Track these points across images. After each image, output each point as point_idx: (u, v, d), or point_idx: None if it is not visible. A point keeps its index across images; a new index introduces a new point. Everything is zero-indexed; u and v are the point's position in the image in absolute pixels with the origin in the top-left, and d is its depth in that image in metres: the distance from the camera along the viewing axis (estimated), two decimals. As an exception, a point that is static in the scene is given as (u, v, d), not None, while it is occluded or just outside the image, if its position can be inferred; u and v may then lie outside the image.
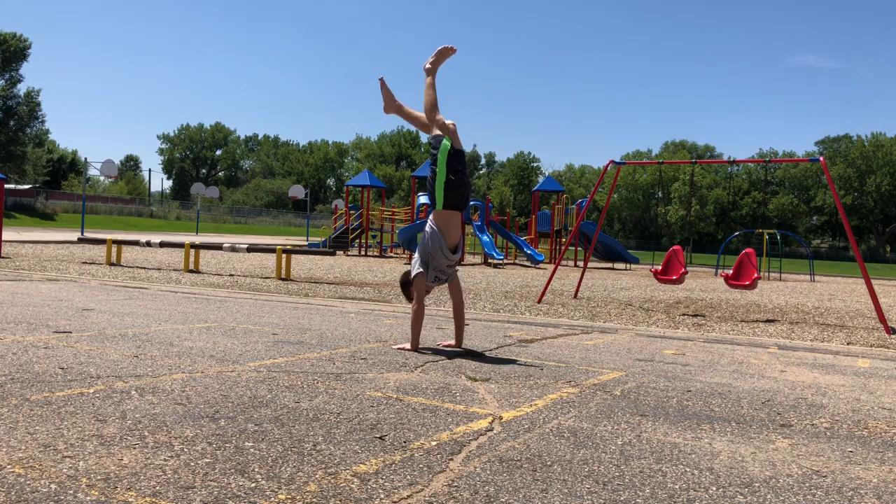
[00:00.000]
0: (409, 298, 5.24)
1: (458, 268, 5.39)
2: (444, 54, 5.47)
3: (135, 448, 2.55)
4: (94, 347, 4.53)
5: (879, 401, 4.09)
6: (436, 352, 5.05)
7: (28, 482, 2.17)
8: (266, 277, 12.15)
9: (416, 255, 5.18)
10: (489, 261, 23.32)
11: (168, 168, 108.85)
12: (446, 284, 5.27)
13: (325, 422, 3.02)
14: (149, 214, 68.64)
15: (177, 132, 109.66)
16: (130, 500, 2.09)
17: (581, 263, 25.36)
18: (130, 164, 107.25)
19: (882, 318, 8.33)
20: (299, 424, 2.96)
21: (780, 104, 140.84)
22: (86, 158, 34.04)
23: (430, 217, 5.21)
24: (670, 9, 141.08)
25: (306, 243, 34.27)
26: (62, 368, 3.83)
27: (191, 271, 12.77)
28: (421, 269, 5.09)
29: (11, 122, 64.16)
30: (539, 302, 9.67)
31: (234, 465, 2.43)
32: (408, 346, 5.11)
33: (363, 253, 27.92)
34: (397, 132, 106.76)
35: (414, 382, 3.93)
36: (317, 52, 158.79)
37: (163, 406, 3.15)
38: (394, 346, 5.17)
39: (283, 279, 11.88)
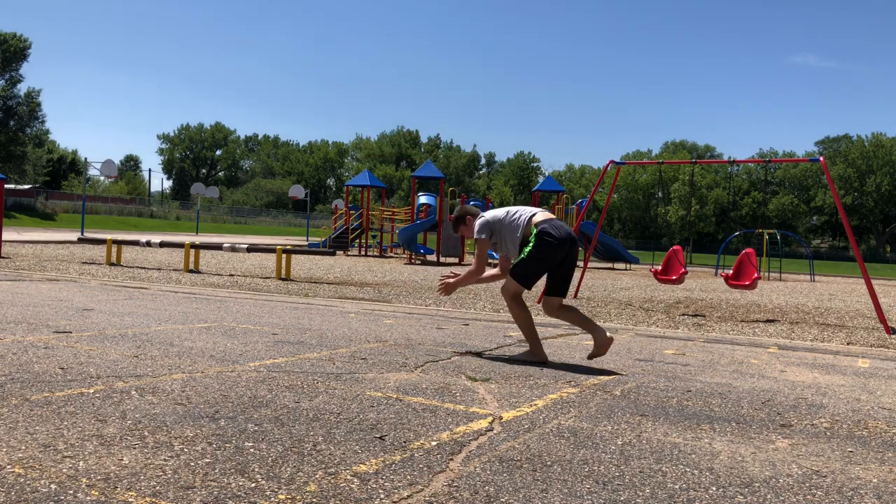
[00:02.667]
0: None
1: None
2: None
3: (135, 448, 2.55)
4: (94, 347, 4.53)
5: (879, 401, 4.09)
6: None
7: (28, 482, 2.17)
8: (266, 277, 12.15)
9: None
10: (489, 261, 23.31)
11: (168, 168, 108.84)
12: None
13: (325, 422, 3.02)
14: (149, 214, 68.64)
15: (177, 132, 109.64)
16: (130, 500, 2.09)
17: (581, 263, 25.34)
18: (130, 164, 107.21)
19: (882, 318, 8.33)
20: (299, 424, 2.96)
21: (780, 104, 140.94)
22: (86, 158, 34.05)
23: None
24: (670, 8, 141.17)
25: (306, 243, 34.27)
26: (62, 368, 3.83)
27: (191, 271, 12.77)
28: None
29: (11, 122, 64.14)
30: (539, 302, 9.66)
31: (234, 465, 2.43)
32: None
33: (363, 253, 27.92)
34: (397, 132, 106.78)
35: (414, 382, 3.93)
36: (317, 52, 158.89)
37: (163, 406, 3.15)
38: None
39: (283, 279, 11.88)
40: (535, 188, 31.75)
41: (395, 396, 3.56)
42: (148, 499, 2.10)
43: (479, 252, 5.02)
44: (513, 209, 5.04)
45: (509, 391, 3.84)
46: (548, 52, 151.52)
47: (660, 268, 10.72)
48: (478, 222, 5.04)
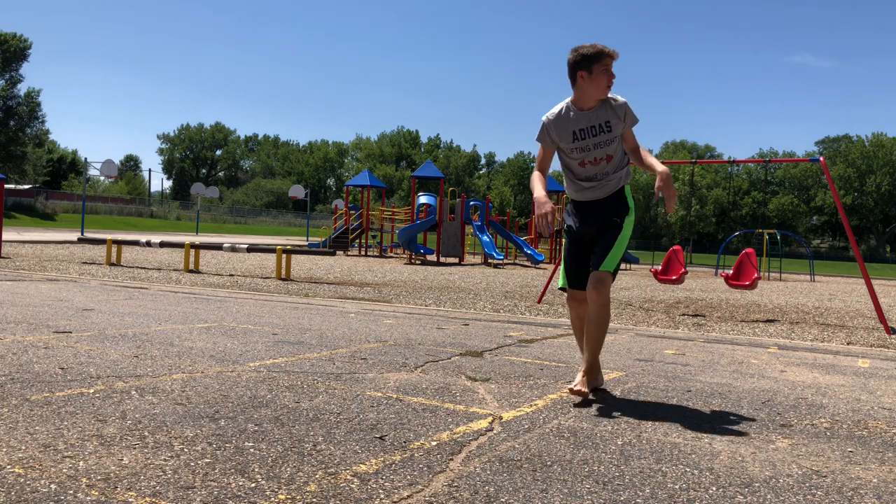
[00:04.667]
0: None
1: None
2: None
3: (135, 448, 2.55)
4: (94, 347, 4.53)
5: (879, 401, 4.09)
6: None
7: (28, 482, 2.17)
8: (266, 277, 12.15)
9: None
10: (489, 261, 23.32)
11: (168, 168, 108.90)
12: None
13: (325, 422, 3.02)
14: (149, 214, 68.63)
15: (177, 132, 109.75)
16: (130, 500, 2.09)
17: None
18: (130, 164, 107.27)
19: (882, 318, 8.33)
20: (299, 424, 2.96)
21: (780, 104, 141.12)
22: (86, 158, 34.05)
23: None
24: (669, 8, 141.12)
25: (306, 243, 34.26)
26: (62, 368, 3.83)
27: (191, 271, 12.77)
28: None
29: (11, 122, 64.16)
30: (539, 302, 9.66)
31: (234, 465, 2.43)
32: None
33: (363, 253, 27.91)
34: (397, 132, 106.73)
35: (414, 382, 3.93)
36: (317, 51, 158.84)
37: (163, 406, 3.15)
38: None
39: (283, 279, 11.88)
40: (535, 188, 31.68)
41: (395, 396, 3.56)
42: (148, 499, 2.10)
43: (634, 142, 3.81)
44: None
45: (509, 391, 3.84)
46: (548, 52, 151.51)
47: (660, 268, 10.72)
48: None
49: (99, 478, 2.24)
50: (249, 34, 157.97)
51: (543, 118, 3.80)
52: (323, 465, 2.47)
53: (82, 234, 27.08)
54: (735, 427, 3.31)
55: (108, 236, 16.56)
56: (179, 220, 67.52)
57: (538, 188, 3.71)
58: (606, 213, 3.77)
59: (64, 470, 2.29)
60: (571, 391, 3.61)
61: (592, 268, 3.70)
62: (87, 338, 4.91)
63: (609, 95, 3.68)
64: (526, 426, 3.13)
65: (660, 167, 3.61)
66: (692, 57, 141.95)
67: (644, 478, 2.52)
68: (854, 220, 79.99)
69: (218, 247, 13.93)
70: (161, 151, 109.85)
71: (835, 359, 5.74)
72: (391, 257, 25.94)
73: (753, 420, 3.47)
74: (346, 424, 3.00)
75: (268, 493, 2.19)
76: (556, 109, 3.78)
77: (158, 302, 7.45)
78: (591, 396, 3.77)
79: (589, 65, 3.61)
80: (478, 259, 27.16)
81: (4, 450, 2.46)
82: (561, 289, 3.94)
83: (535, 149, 3.97)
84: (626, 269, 24.48)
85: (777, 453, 2.91)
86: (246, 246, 14.10)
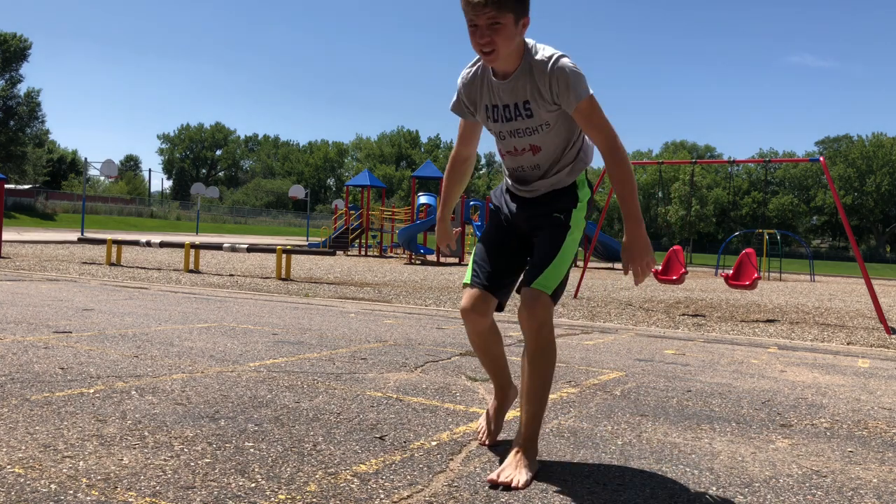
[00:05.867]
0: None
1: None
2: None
3: (135, 448, 2.55)
4: (94, 347, 4.53)
5: (879, 401, 4.09)
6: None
7: (28, 482, 2.17)
8: (266, 277, 12.15)
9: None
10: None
11: (168, 168, 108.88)
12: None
13: (325, 422, 3.02)
14: (149, 214, 68.63)
15: (177, 132, 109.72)
16: (130, 500, 2.09)
17: (581, 263, 25.33)
18: (130, 164, 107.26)
19: (882, 318, 8.33)
20: (299, 424, 2.96)
21: (780, 104, 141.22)
22: (86, 158, 34.04)
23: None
24: (669, 9, 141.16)
25: (306, 243, 34.27)
26: (62, 368, 3.83)
27: (191, 271, 12.77)
28: None
29: (11, 122, 64.20)
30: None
31: (234, 465, 2.43)
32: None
33: (363, 253, 27.91)
34: (397, 132, 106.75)
35: (414, 382, 3.93)
36: (317, 51, 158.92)
37: (163, 406, 3.15)
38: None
39: (283, 279, 11.88)
40: (535, 188, 31.69)
41: (395, 396, 3.56)
42: (148, 499, 2.10)
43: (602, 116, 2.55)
44: None
45: (509, 391, 3.83)
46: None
47: (660, 268, 10.72)
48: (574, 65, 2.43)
49: (99, 478, 2.24)
50: (249, 34, 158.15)
51: (459, 79, 2.62)
52: (323, 465, 2.47)
53: (82, 234, 27.07)
54: (735, 427, 3.31)
55: (108, 236, 16.56)
56: (179, 220, 67.51)
57: (442, 204, 2.82)
58: (545, 208, 2.66)
59: (64, 470, 2.29)
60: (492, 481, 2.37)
61: (524, 282, 2.60)
62: (87, 338, 4.91)
63: (539, 56, 2.41)
64: (526, 426, 3.13)
65: (633, 221, 2.45)
66: (692, 57, 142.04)
67: (644, 478, 2.52)
68: (854, 220, 79.99)
69: (218, 247, 13.93)
70: (161, 151, 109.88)
71: (835, 359, 5.74)
72: (391, 257, 25.94)
73: (753, 420, 3.47)
74: (346, 424, 3.00)
75: (268, 493, 2.19)
76: (471, 68, 2.58)
77: (158, 302, 7.45)
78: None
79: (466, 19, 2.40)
80: (478, 259, 27.15)
81: (4, 450, 2.46)
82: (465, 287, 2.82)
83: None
84: (626, 269, 24.45)
85: (777, 453, 2.91)
86: (246, 246, 14.10)
